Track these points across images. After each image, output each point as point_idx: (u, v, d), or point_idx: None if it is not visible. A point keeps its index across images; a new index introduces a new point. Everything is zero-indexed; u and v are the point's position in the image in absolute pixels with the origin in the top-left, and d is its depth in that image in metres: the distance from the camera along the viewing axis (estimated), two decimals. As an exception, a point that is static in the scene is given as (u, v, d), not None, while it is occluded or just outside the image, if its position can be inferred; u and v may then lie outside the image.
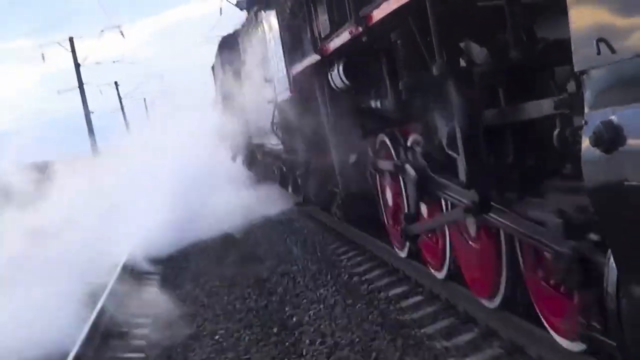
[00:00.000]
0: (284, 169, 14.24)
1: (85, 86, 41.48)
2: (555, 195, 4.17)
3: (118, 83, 56.42)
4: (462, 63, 4.86)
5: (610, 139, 2.60)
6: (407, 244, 7.21)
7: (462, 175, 4.80)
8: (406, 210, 6.98)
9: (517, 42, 4.29)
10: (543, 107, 3.95)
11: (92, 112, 41.39)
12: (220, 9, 25.03)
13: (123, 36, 41.43)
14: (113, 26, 40.59)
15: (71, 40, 40.82)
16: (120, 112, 56.02)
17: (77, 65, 41.10)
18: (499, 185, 4.70)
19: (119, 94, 57.50)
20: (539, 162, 4.46)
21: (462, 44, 4.86)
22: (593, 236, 3.69)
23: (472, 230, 5.68)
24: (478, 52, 4.71)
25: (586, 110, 2.86)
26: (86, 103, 41.16)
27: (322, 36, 7.53)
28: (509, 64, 4.36)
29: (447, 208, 6.05)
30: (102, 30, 39.87)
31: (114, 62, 47.25)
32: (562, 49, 3.54)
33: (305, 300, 7.46)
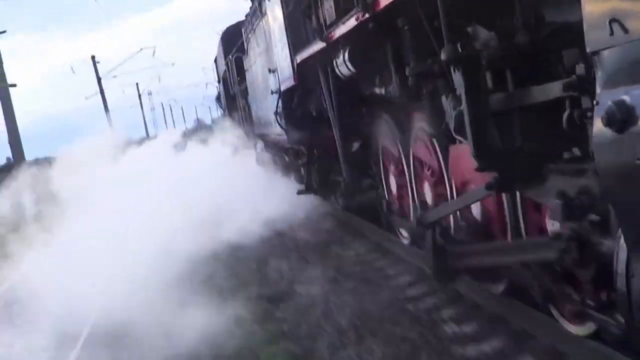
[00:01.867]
0: (287, 159, 14.25)
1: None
2: (558, 178, 4.20)
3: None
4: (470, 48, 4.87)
5: (623, 118, 2.63)
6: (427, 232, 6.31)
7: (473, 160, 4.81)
8: (413, 197, 7.03)
9: (525, 26, 4.31)
10: (552, 90, 3.97)
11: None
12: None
13: None
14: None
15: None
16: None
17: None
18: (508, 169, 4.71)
19: (96, 70, 48.43)
20: (545, 145, 4.48)
21: (469, 29, 4.87)
22: (593, 217, 3.77)
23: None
24: (486, 36, 4.72)
25: (598, 90, 2.88)
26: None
27: (328, 23, 7.53)
28: (516, 48, 4.38)
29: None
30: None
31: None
32: (570, 32, 3.57)
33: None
